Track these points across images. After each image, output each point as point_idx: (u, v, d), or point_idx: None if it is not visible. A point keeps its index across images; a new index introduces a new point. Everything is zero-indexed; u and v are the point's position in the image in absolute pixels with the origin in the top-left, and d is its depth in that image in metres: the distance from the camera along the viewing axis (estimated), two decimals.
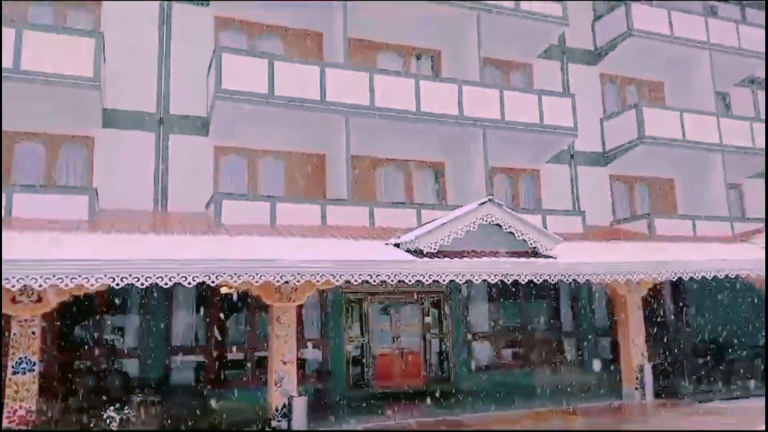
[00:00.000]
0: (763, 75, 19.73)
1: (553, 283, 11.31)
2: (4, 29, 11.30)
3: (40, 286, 7.71)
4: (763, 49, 18.76)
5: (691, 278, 11.75)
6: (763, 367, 12.89)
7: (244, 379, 12.31)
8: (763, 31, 18.90)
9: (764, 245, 14.48)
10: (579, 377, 14.29)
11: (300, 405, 9.57)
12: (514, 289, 14.87)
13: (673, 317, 15.51)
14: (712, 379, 12.35)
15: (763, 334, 14.24)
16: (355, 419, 10.88)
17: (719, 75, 18.55)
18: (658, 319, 14.76)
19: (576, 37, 17.89)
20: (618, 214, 17.43)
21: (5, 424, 8.36)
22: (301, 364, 12.56)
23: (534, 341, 15.42)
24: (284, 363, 10.02)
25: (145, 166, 13.00)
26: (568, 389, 13.30)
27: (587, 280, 11.37)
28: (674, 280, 12.28)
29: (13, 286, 7.66)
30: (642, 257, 11.82)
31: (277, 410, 9.69)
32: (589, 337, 15.58)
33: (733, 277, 12.80)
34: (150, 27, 13.68)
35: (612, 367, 13.94)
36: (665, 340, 13.82)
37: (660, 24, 17.43)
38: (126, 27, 13.37)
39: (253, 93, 12.64)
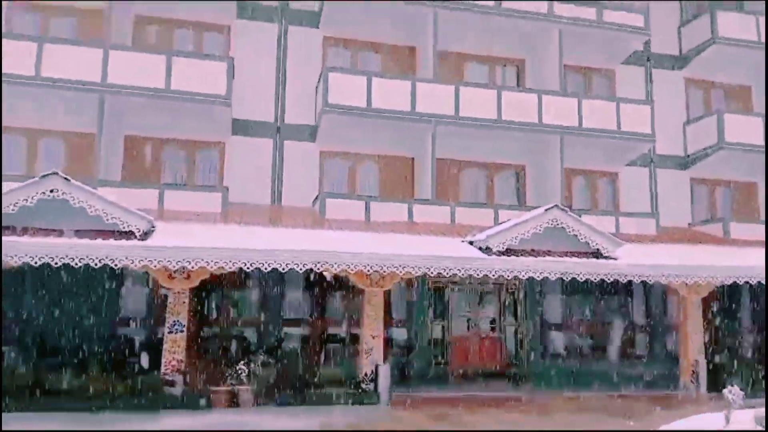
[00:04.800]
0: None
1: (620, 281, 12.55)
2: (156, 56, 14.07)
3: (193, 267, 10.25)
4: None
5: (747, 282, 12.61)
6: None
7: (341, 349, 14.53)
8: None
9: None
10: (643, 368, 15.34)
11: (384, 372, 11.67)
12: (586, 284, 16.08)
13: (735, 318, 16.15)
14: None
15: None
16: (433, 389, 12.83)
17: None
18: (720, 319, 15.51)
19: (661, 43, 18.51)
20: (697, 217, 18.04)
21: (163, 370, 11.03)
22: (389, 342, 14.63)
23: (604, 333, 16.58)
24: (373, 337, 12.14)
25: (264, 167, 15.47)
26: (631, 379, 14.47)
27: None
28: (740, 283, 13.13)
29: (174, 267, 10.25)
30: (700, 261, 12.80)
31: (366, 375, 11.84)
32: (656, 331, 16.53)
33: None
34: (269, 46, 16.05)
35: (675, 361, 14.93)
36: (725, 339, 14.62)
37: (746, 30, 17.69)
38: (250, 46, 15.81)
39: (353, 106, 14.72)
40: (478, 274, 11.59)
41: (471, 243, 12.67)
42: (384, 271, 11.38)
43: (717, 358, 13.82)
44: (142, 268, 10.43)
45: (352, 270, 11.19)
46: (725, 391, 6.54)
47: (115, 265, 10.03)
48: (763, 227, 16.95)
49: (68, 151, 14.60)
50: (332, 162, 16.12)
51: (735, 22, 17.78)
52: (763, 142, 17.09)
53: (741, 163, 17.63)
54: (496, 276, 11.79)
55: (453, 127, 15.37)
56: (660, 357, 15.99)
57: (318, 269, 11.11)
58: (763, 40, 17.75)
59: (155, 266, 10.17)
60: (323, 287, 14.76)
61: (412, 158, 16.40)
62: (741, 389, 7.66)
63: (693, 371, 13.25)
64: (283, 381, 11.23)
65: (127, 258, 10.00)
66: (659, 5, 18.41)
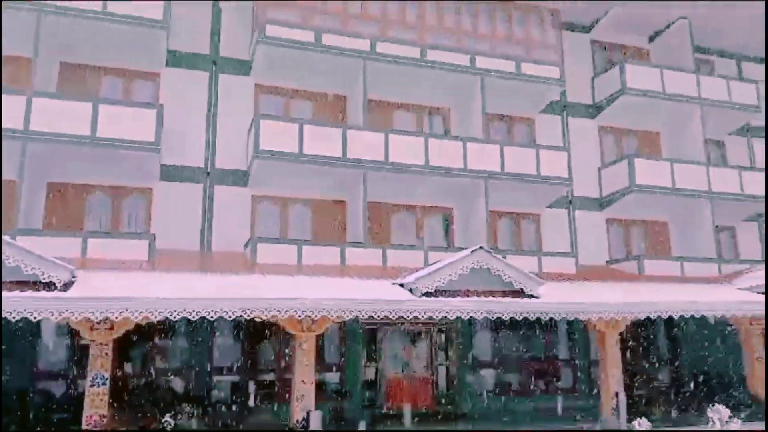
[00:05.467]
0: (758, 124, 21.32)
1: (542, 318, 13.08)
2: (82, 103, 13.93)
3: (116, 318, 10.05)
4: (754, 102, 20.32)
5: (659, 317, 13.41)
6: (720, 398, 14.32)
7: (273, 396, 14.35)
8: (754, 86, 20.47)
9: (746, 286, 16.01)
10: (569, 402, 15.90)
11: (316, 418, 11.63)
12: (513, 322, 16.60)
13: (652, 351, 17.06)
14: (682, 407, 13.89)
15: (730, 367, 15.69)
16: None
17: (714, 126, 20.24)
18: (638, 352, 16.35)
19: (576, 93, 19.82)
20: (614, 255, 19.08)
21: (84, 426, 10.63)
22: (322, 385, 14.59)
23: (532, 369, 17.10)
24: (304, 383, 12.10)
25: (194, 212, 15.40)
26: (558, 413, 14.98)
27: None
28: (652, 318, 13.96)
29: (96, 318, 10.02)
30: (616, 298, 13.54)
31: (297, 422, 11.76)
32: (580, 366, 17.20)
33: (708, 315, 14.43)
34: (200, 94, 16.19)
35: (597, 394, 15.55)
36: (642, 372, 15.39)
37: (653, 81, 19.18)
38: (180, 94, 15.89)
39: (285, 152, 14.95)
40: (408, 316, 11.87)
41: (401, 285, 12.97)
42: (315, 316, 11.50)
43: (635, 391, 14.49)
44: (62, 321, 10.14)
45: (282, 315, 11.22)
46: (634, 423, 7.00)
47: (34, 318, 9.70)
48: (674, 263, 18.12)
49: None
50: (264, 206, 16.22)
51: (642, 74, 19.24)
52: (670, 184, 18.39)
53: (652, 203, 18.86)
54: (425, 317, 12.09)
55: (383, 172, 15.83)
56: (584, 391, 16.61)
57: (247, 317, 11.09)
58: (668, 90, 19.26)
59: (76, 318, 9.91)
60: (254, 333, 14.65)
61: (344, 202, 16.71)
62: (650, 420, 8.18)
63: (614, 404, 13.83)
64: (213, 431, 11.02)
65: (46, 310, 9.71)
66: (573, 58, 19.74)
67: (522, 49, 18.11)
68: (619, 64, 19.26)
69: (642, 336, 16.86)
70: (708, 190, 18.74)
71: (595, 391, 15.91)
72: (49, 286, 10.34)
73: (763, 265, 17.26)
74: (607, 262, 18.75)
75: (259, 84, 16.72)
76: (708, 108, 19.76)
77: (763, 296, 14.53)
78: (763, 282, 15.27)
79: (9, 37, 14.41)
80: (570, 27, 20.13)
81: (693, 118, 19.81)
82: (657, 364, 16.55)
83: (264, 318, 11.47)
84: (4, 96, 13.41)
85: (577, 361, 17.27)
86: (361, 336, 15.77)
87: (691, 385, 15.91)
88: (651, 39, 21.45)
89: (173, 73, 16.05)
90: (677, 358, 17.35)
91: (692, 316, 14.16)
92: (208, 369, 14.20)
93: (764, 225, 20.67)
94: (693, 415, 13.69)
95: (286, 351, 14.50)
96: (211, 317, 10.64)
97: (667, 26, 20.77)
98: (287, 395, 13.45)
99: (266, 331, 14.47)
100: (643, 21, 20.48)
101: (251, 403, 13.55)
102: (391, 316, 11.83)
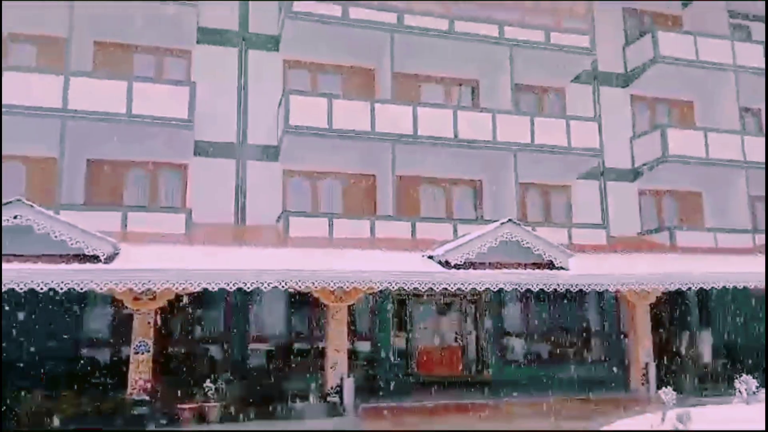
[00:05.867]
0: None
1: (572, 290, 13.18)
2: (117, 81, 14.27)
3: (158, 289, 10.46)
4: None
5: (690, 288, 13.39)
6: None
7: (307, 363, 14.77)
8: None
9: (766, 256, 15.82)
10: (598, 372, 16.05)
11: (349, 384, 12.03)
12: (543, 293, 16.70)
13: (682, 322, 17.02)
14: (712, 378, 13.94)
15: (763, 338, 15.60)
16: (398, 399, 13.22)
17: (749, 93, 19.70)
18: (668, 323, 16.35)
19: (608, 62, 19.50)
20: (646, 226, 18.92)
21: (130, 391, 11.17)
22: (354, 354, 14.98)
23: (561, 339, 17.23)
24: (337, 351, 12.50)
25: (227, 187, 15.73)
26: (587, 382, 15.10)
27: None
28: (683, 289, 13.91)
29: (139, 289, 10.45)
30: (647, 269, 13.54)
31: (331, 388, 12.17)
32: (610, 336, 17.27)
33: (740, 287, 14.32)
34: (230, 70, 16.40)
35: (627, 364, 15.64)
36: (673, 342, 15.42)
37: (686, 49, 18.76)
38: (211, 70, 16.11)
39: (314, 127, 15.13)
40: (437, 288, 12.08)
41: (431, 257, 13.16)
42: (347, 287, 11.79)
43: (666, 361, 14.55)
44: (108, 292, 10.60)
45: (315, 286, 11.56)
46: (660, 392, 7.12)
47: (81, 289, 10.18)
48: (707, 234, 17.93)
49: (29, 176, 14.61)
50: (295, 181, 16.48)
51: (675, 42, 18.81)
52: (704, 154, 18.09)
53: (685, 174, 18.58)
54: (455, 288, 12.29)
55: (412, 145, 15.91)
56: (614, 361, 16.67)
57: (282, 288, 11.42)
58: (702, 57, 18.83)
59: (121, 289, 10.37)
60: (288, 303, 15.05)
61: (374, 175, 16.86)
62: (678, 391, 8.26)
63: (643, 374, 13.93)
64: (250, 397, 11.47)
65: (92, 282, 10.16)
66: (605, 26, 19.41)
67: (551, 18, 17.85)
68: (651, 32, 18.85)
69: (673, 307, 16.81)
70: (743, 159, 18.39)
71: (625, 361, 16.05)
72: (94, 258, 10.78)
73: None
74: (638, 233, 18.62)
75: (287, 59, 16.84)
76: (743, 75, 19.27)
77: None
78: None
79: (44, 18, 14.76)
80: None
81: (728, 86, 19.35)
82: (688, 335, 16.53)
83: (298, 289, 11.80)
84: (42, 75, 13.83)
85: (607, 332, 17.34)
86: (392, 306, 16.06)
87: (722, 356, 15.87)
88: (684, 5, 20.90)
89: (204, 49, 16.26)
90: (708, 330, 17.27)
91: (724, 288, 14.11)
92: (245, 338, 14.69)
93: None
94: (722, 385, 13.69)
95: (320, 320, 14.88)
96: (248, 288, 11.01)
97: None
98: (321, 363, 13.86)
99: (300, 302, 14.84)
100: None
101: (286, 370, 13.98)
102: (421, 288, 12.05)
